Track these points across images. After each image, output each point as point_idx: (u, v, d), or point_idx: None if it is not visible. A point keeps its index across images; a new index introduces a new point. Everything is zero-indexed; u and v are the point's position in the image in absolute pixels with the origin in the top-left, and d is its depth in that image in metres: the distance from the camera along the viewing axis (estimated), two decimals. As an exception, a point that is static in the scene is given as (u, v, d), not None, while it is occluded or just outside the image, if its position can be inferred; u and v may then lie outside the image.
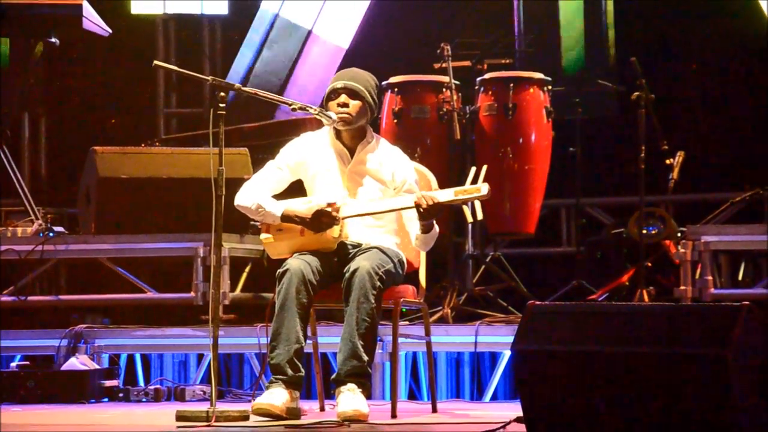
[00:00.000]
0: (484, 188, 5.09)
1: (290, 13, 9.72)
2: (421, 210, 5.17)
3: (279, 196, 5.45)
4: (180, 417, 5.02)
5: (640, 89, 7.40)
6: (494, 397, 6.90)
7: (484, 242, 7.84)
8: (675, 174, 7.48)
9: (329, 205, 5.24)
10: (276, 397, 5.10)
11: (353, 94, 5.37)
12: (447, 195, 5.17)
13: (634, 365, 4.05)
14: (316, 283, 5.22)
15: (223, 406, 5.07)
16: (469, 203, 5.18)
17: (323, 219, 5.26)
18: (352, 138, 5.44)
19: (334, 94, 5.39)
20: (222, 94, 5.14)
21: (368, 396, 5.18)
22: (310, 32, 9.68)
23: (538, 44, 8.83)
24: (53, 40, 7.89)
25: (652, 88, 7.47)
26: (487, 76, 7.63)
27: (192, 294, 7.14)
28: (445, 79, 7.40)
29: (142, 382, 7.26)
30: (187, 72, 5.40)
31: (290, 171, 5.47)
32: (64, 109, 9.53)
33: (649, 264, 7.70)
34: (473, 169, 5.16)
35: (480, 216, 5.14)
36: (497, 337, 6.69)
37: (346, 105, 5.36)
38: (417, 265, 5.62)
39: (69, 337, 6.85)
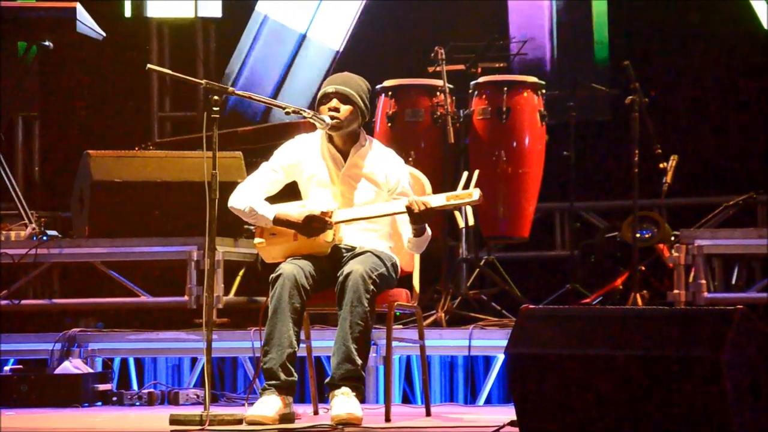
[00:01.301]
0: (475, 194, 5.09)
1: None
2: (413, 214, 5.17)
3: (273, 199, 5.45)
4: (174, 421, 5.02)
5: (634, 93, 7.41)
6: (488, 401, 6.91)
7: (477, 246, 7.84)
8: (668, 178, 7.48)
9: (323, 213, 5.24)
10: (268, 407, 5.09)
11: (344, 98, 5.37)
12: (439, 200, 5.17)
13: (627, 369, 4.05)
14: (309, 287, 5.22)
15: (216, 410, 5.07)
16: (462, 209, 5.19)
17: (315, 224, 5.25)
18: (345, 142, 5.44)
19: (325, 98, 5.39)
20: (216, 97, 5.14)
21: (362, 400, 5.18)
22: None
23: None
24: (47, 43, 7.88)
25: (645, 91, 7.48)
26: (481, 79, 7.64)
27: (186, 298, 7.13)
28: (439, 82, 7.40)
29: (135, 386, 7.26)
30: (180, 75, 5.40)
31: (284, 173, 5.47)
32: (58, 113, 9.52)
33: (643, 268, 7.70)
34: (465, 174, 5.17)
35: (471, 222, 5.16)
36: (491, 341, 6.69)
37: (336, 110, 5.36)
38: (411, 269, 5.62)
39: (62, 340, 6.84)
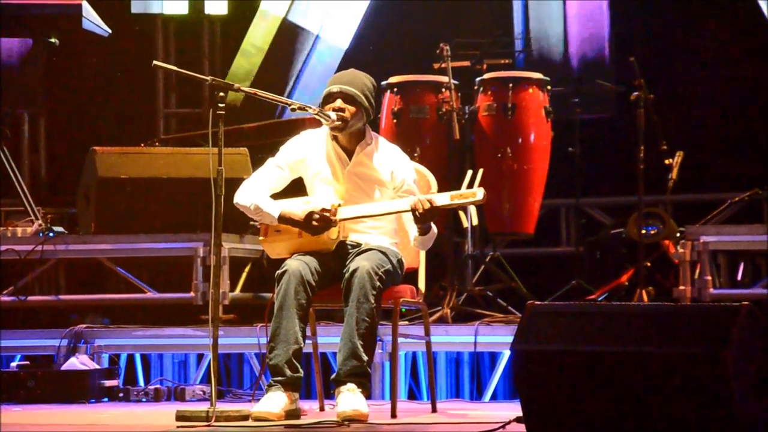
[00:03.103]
0: (479, 193, 5.09)
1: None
2: (418, 214, 5.17)
3: (280, 194, 5.46)
4: (180, 417, 5.03)
5: (639, 89, 7.41)
6: (494, 397, 6.91)
7: (483, 242, 7.84)
8: (674, 174, 7.49)
9: (324, 210, 5.24)
10: (274, 403, 5.10)
11: (349, 99, 5.35)
12: (443, 199, 5.18)
13: (633, 365, 4.06)
14: (314, 283, 5.22)
15: (222, 406, 5.07)
16: (466, 210, 5.18)
17: (318, 222, 5.25)
18: (350, 141, 5.43)
19: (330, 98, 5.37)
20: (221, 94, 5.14)
21: (368, 396, 5.19)
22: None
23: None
24: (53, 40, 7.89)
25: (651, 88, 7.48)
26: (486, 76, 7.64)
27: (192, 294, 7.14)
28: (445, 79, 7.40)
29: (142, 382, 7.27)
30: (186, 72, 5.40)
31: (290, 169, 5.47)
32: (64, 109, 9.53)
33: (649, 264, 7.70)
34: (469, 173, 5.17)
35: (475, 222, 5.15)
36: (497, 337, 6.70)
37: (341, 110, 5.35)
38: (416, 265, 5.63)
39: (69, 337, 6.85)
